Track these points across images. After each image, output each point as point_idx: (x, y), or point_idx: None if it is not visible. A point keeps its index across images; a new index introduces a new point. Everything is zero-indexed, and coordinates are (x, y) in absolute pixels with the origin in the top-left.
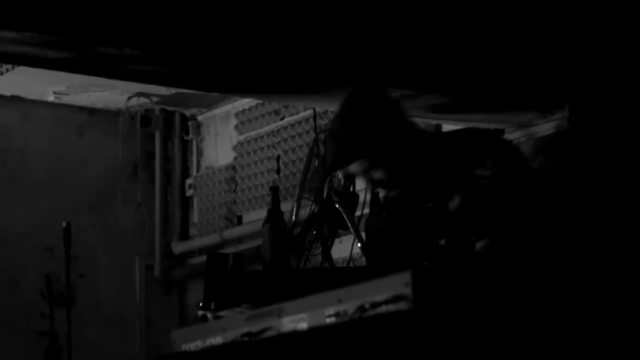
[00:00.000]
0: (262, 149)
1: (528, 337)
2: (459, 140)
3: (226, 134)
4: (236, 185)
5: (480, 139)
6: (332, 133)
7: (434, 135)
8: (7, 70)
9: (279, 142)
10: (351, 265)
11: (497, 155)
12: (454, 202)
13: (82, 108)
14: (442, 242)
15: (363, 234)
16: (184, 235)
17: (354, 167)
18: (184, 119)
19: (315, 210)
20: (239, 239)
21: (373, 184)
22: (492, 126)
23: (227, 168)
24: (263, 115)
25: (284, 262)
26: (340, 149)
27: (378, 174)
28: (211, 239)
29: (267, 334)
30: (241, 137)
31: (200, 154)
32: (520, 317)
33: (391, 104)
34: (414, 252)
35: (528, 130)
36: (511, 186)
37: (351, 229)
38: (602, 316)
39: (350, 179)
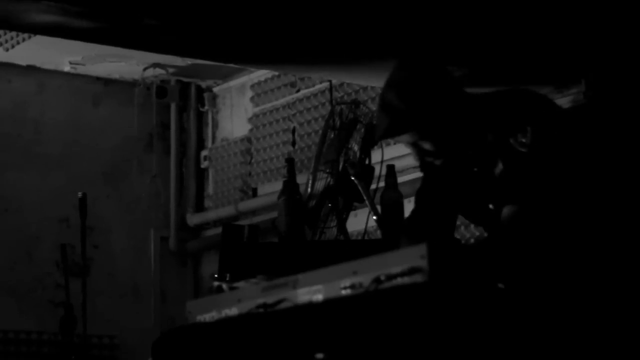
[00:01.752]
0: (277, 121)
1: (544, 312)
2: (504, 103)
3: (242, 105)
4: (251, 158)
5: (524, 102)
6: (385, 103)
7: (482, 98)
8: (23, 39)
9: (294, 115)
10: (366, 238)
11: (538, 122)
12: (497, 169)
13: (97, 78)
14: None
15: (379, 207)
16: (199, 207)
17: (404, 138)
18: (200, 91)
19: (331, 183)
20: (254, 212)
21: (421, 154)
22: None
23: (242, 140)
24: (279, 87)
25: (299, 234)
26: (395, 120)
27: (427, 144)
28: (226, 211)
29: (283, 305)
30: (257, 109)
31: (215, 125)
32: (537, 291)
33: (446, 75)
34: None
35: None
36: (545, 157)
37: (367, 202)
38: (622, 295)
39: (366, 151)
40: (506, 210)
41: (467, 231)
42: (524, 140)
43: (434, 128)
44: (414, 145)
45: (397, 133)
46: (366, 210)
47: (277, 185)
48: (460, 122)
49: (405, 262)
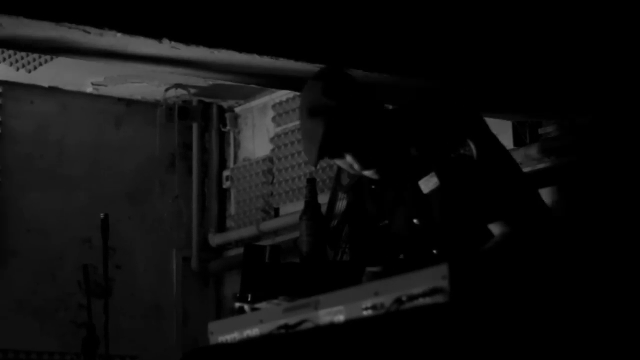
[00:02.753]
0: (299, 140)
1: (565, 331)
2: (427, 116)
3: (263, 125)
4: (273, 177)
5: (453, 115)
6: (312, 130)
7: (400, 112)
8: (46, 61)
9: None
10: None
11: (475, 134)
12: (427, 183)
13: (120, 99)
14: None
15: None
16: (221, 227)
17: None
18: (222, 111)
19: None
20: (276, 231)
21: (362, 165)
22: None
23: (264, 160)
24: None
25: (321, 255)
26: (325, 144)
27: (355, 159)
28: (248, 231)
29: (304, 326)
30: (278, 129)
31: (237, 145)
32: (558, 311)
33: (364, 90)
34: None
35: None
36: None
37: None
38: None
39: None
40: (496, 229)
41: None
42: (466, 152)
43: (363, 145)
44: (350, 155)
45: (332, 150)
46: None
47: (299, 205)
48: (383, 136)
49: (426, 282)
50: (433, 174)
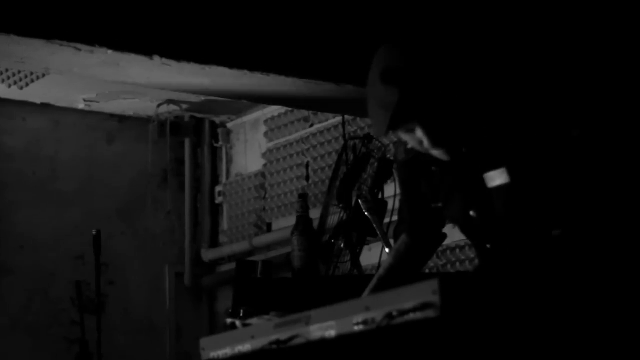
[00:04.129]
0: (291, 156)
1: (558, 346)
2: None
3: (255, 141)
4: (265, 193)
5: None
6: (390, 72)
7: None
8: (38, 78)
9: (308, 149)
10: None
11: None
12: (498, 179)
13: (112, 115)
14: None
15: (392, 241)
16: (214, 243)
17: (406, 127)
18: (214, 126)
19: (345, 218)
20: (269, 246)
21: (432, 142)
22: None
23: (256, 175)
24: (292, 122)
25: (313, 270)
26: (396, 111)
27: (423, 133)
28: (241, 247)
29: (296, 341)
30: (270, 144)
31: (229, 161)
32: (551, 327)
33: (444, 53)
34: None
35: None
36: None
37: (380, 236)
38: None
39: (378, 186)
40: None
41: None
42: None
43: (437, 120)
44: (421, 129)
45: (406, 118)
46: (380, 244)
47: (292, 220)
48: (461, 115)
49: (417, 297)
50: (504, 169)
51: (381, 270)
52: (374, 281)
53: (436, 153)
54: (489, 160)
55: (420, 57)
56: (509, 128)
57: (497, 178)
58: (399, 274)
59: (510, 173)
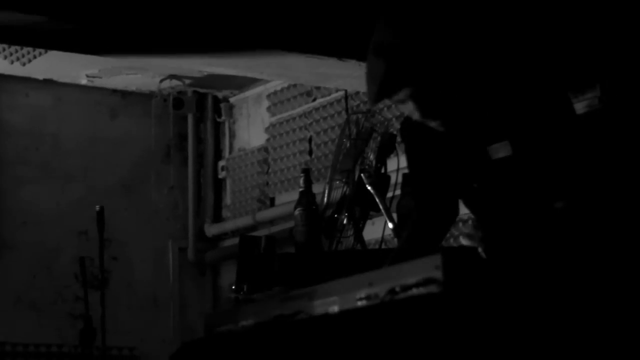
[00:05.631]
0: (294, 130)
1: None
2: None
3: (258, 115)
4: (268, 167)
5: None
6: (379, 45)
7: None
8: (40, 54)
9: (310, 124)
10: (383, 246)
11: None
12: (501, 151)
13: (114, 91)
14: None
15: (394, 216)
16: (217, 218)
17: (400, 95)
18: (216, 101)
19: (347, 192)
20: (272, 221)
21: (423, 114)
22: None
23: (259, 150)
24: (295, 97)
25: (316, 245)
26: (388, 76)
27: (423, 103)
28: (244, 221)
29: (299, 316)
30: (273, 119)
31: (232, 135)
32: (555, 303)
33: (453, 23)
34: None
35: None
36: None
37: (382, 211)
38: None
39: (382, 160)
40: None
41: None
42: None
43: (433, 81)
44: (411, 100)
45: (392, 90)
46: (383, 218)
47: (295, 195)
48: (453, 87)
49: (420, 272)
50: (507, 142)
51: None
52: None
53: (433, 125)
54: (492, 133)
55: (409, 31)
56: (511, 100)
57: (500, 150)
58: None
59: (513, 145)
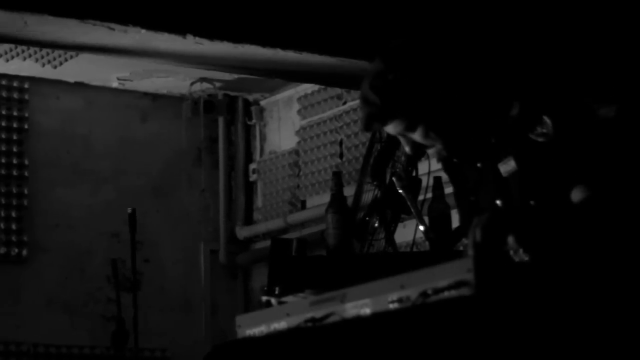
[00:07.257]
0: (324, 133)
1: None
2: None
3: (289, 118)
4: (299, 170)
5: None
6: (364, 88)
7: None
8: (71, 57)
9: (341, 127)
10: (414, 249)
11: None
12: (508, 167)
13: (145, 94)
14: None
15: (426, 218)
16: (248, 220)
17: (390, 129)
18: (247, 104)
19: (378, 195)
20: (303, 224)
21: (414, 149)
22: None
23: (290, 153)
24: (325, 100)
25: (347, 247)
26: (376, 106)
27: (419, 135)
28: (275, 224)
29: (331, 319)
30: (304, 122)
31: (263, 138)
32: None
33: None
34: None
35: None
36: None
37: (414, 214)
38: None
39: (412, 163)
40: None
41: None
42: (544, 130)
43: (426, 114)
44: (405, 136)
45: (378, 122)
46: (414, 221)
47: (326, 198)
48: (458, 108)
49: (451, 275)
50: (511, 158)
51: None
52: None
53: (431, 152)
54: (498, 151)
55: (403, 65)
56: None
57: (507, 167)
58: None
59: (517, 161)
